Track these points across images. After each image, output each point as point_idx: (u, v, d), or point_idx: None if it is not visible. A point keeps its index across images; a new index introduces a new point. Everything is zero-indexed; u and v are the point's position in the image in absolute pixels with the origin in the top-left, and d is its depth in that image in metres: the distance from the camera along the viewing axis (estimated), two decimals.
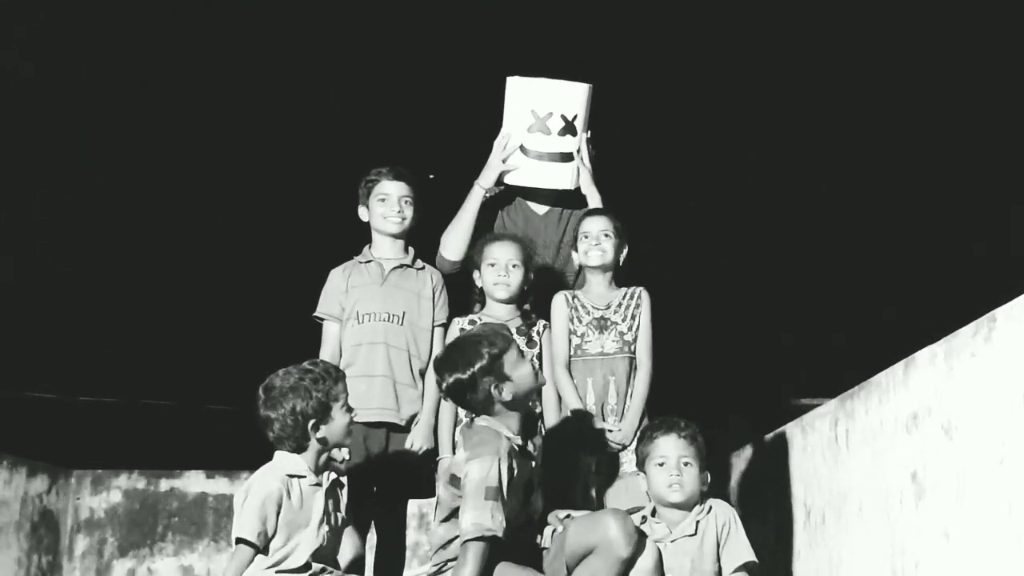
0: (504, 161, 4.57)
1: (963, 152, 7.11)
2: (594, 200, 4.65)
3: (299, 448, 3.58)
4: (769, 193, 7.55)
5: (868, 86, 6.89)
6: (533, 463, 3.69)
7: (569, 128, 4.56)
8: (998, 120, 6.84)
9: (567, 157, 4.58)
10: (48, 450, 6.57)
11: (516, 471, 3.54)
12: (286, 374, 3.59)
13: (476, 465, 3.47)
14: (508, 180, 4.62)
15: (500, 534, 3.42)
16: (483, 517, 3.41)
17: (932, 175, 7.26)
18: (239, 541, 3.44)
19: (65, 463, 6.60)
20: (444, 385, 3.70)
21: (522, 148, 4.56)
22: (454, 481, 3.56)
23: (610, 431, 4.26)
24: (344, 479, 3.77)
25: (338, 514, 3.67)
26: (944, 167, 7.21)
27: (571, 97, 4.57)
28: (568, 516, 3.77)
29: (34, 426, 7.25)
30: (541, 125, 4.54)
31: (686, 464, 3.85)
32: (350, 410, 3.66)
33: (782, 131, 7.17)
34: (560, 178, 4.60)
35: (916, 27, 6.43)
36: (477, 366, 3.61)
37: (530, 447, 3.70)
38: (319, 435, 3.58)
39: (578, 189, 4.66)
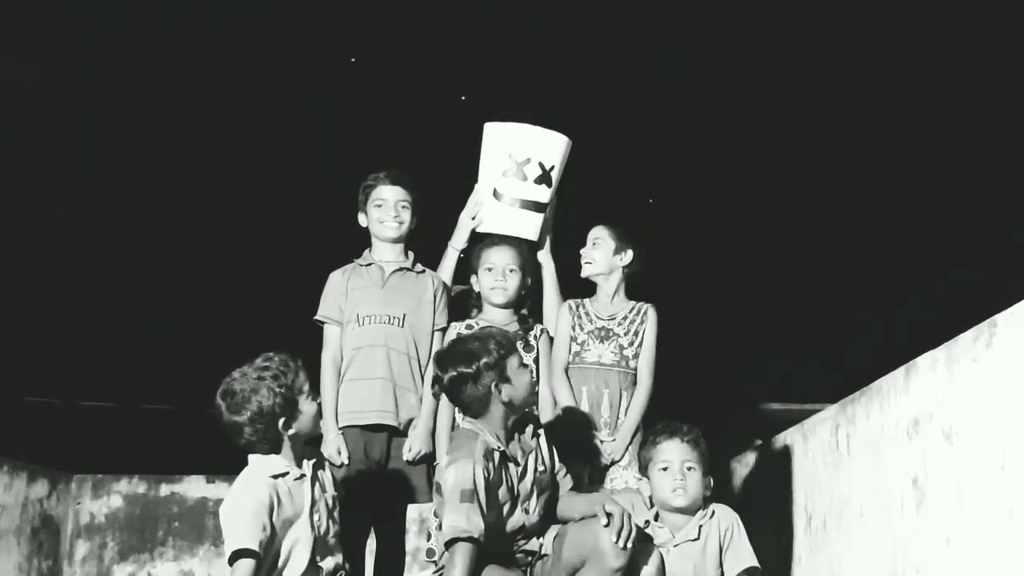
0: (474, 218, 4.49)
1: (964, 156, 7.11)
2: (549, 270, 4.57)
3: (273, 449, 3.48)
4: (771, 196, 7.55)
5: (870, 89, 6.89)
6: (519, 469, 3.67)
7: (545, 177, 4.42)
8: (999, 126, 6.84)
9: (539, 207, 4.45)
10: (48, 455, 6.57)
11: (493, 474, 3.55)
12: (243, 376, 3.46)
13: (452, 469, 3.50)
14: (481, 227, 4.49)
15: (476, 535, 3.43)
16: (458, 519, 3.43)
17: (932, 179, 7.26)
18: (240, 554, 3.31)
19: (65, 468, 6.59)
20: (446, 378, 3.68)
21: (495, 193, 4.43)
22: (438, 488, 3.59)
23: (602, 442, 4.26)
24: (326, 463, 3.74)
25: (326, 496, 3.60)
26: (944, 171, 7.21)
27: (551, 146, 4.43)
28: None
29: (34, 431, 7.25)
30: (518, 170, 4.40)
31: (689, 468, 3.86)
32: (316, 396, 3.59)
33: (785, 133, 7.17)
34: (528, 227, 4.47)
35: (917, 30, 6.42)
36: (483, 361, 3.63)
37: (518, 455, 3.68)
38: (291, 432, 3.49)
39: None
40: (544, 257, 4.59)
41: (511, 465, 3.65)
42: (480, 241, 4.51)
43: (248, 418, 3.42)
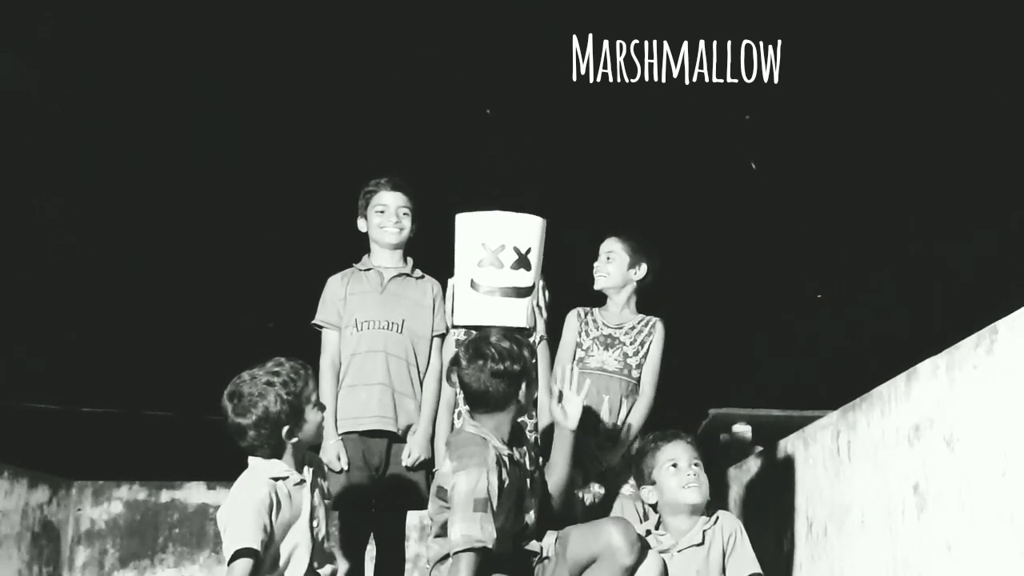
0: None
1: (965, 165, 7.12)
2: (543, 358, 4.36)
3: (274, 454, 3.47)
4: (771, 200, 7.55)
5: (869, 96, 6.89)
6: (519, 471, 3.67)
7: (523, 262, 4.21)
8: (1001, 133, 6.84)
9: (522, 292, 4.24)
10: (49, 461, 6.57)
11: (507, 481, 3.53)
12: (252, 379, 3.44)
13: (464, 477, 3.45)
14: (458, 320, 4.28)
15: (490, 545, 3.41)
16: (472, 529, 3.39)
17: (933, 186, 7.26)
18: (240, 554, 3.30)
19: (66, 474, 6.60)
20: (488, 369, 3.61)
21: (472, 284, 4.22)
22: (441, 493, 3.56)
23: (598, 447, 4.26)
24: (321, 465, 3.74)
25: (326, 502, 3.62)
26: (945, 179, 7.22)
27: (524, 229, 4.24)
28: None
29: (35, 437, 7.25)
30: (493, 259, 4.20)
31: (697, 465, 3.86)
32: (322, 408, 3.59)
33: (788, 134, 7.18)
34: (514, 315, 4.22)
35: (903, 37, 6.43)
36: (526, 361, 3.65)
37: (516, 455, 3.68)
38: (294, 440, 3.48)
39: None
40: (540, 347, 4.40)
41: (517, 469, 3.64)
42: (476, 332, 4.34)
43: (253, 422, 3.41)
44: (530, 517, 3.69)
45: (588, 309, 4.49)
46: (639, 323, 4.43)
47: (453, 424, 4.26)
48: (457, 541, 3.41)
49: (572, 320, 4.46)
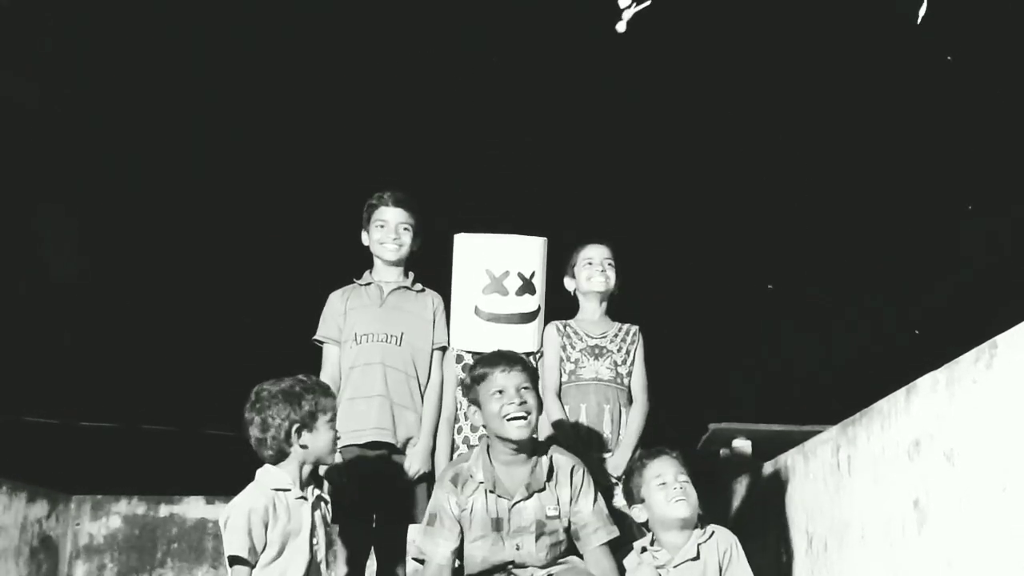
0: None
1: (965, 173, 7.13)
2: (549, 417, 4.24)
3: (280, 456, 3.51)
4: (772, 214, 7.56)
5: (869, 96, 6.91)
6: (504, 499, 3.68)
7: (527, 287, 4.25)
8: (1003, 145, 6.85)
9: (527, 317, 4.29)
10: (48, 475, 6.56)
11: (462, 500, 3.67)
12: (276, 381, 3.57)
13: (434, 491, 3.76)
14: (462, 345, 4.32)
15: (435, 560, 3.62)
16: (423, 541, 3.69)
17: (934, 200, 7.27)
18: (233, 560, 3.37)
19: (65, 488, 6.59)
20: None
21: (476, 310, 4.25)
22: None
23: (603, 459, 4.24)
24: (327, 495, 3.74)
25: (326, 528, 3.64)
26: (944, 186, 7.23)
27: (527, 253, 4.27)
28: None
29: (34, 451, 7.24)
30: (497, 285, 4.23)
31: (683, 479, 3.86)
32: (335, 429, 3.63)
33: (789, 134, 7.19)
34: (521, 340, 4.25)
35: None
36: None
37: (511, 485, 3.69)
38: (302, 441, 3.51)
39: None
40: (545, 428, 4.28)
41: (491, 495, 3.65)
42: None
43: (266, 415, 3.49)
44: (520, 553, 3.68)
45: (565, 322, 4.45)
46: (620, 331, 4.42)
47: (453, 439, 4.27)
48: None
49: (552, 335, 4.41)
